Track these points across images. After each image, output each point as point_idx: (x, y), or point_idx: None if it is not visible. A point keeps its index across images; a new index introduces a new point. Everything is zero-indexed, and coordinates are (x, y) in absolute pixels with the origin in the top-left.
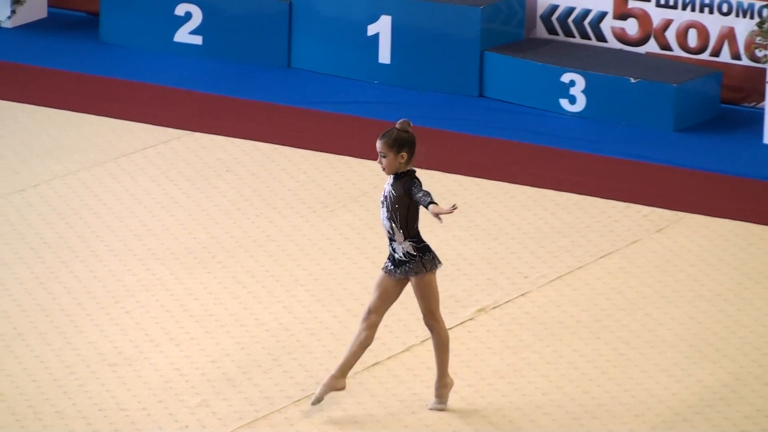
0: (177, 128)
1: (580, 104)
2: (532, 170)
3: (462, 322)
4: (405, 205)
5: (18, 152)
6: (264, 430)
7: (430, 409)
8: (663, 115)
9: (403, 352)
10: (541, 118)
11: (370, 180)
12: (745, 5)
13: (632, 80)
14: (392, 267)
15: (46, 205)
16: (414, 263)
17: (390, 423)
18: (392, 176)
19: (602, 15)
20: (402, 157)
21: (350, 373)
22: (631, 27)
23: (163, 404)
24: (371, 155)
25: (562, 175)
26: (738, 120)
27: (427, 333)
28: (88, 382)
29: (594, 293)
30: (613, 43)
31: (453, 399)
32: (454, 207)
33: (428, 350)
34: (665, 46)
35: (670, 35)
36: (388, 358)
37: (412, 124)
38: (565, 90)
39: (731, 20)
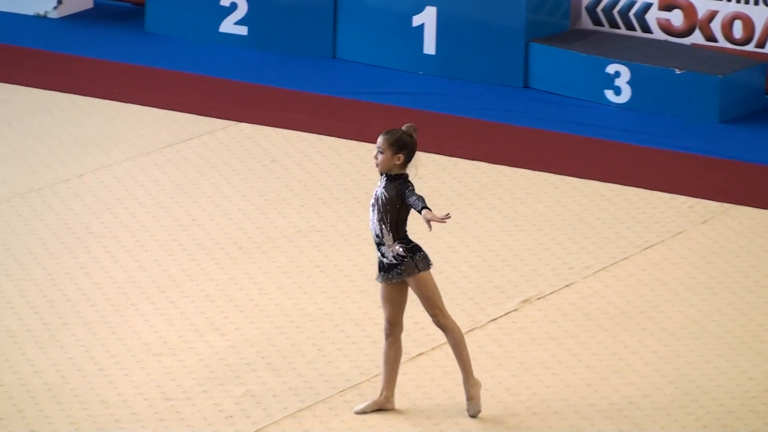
0: (222, 119)
1: (625, 95)
2: (577, 161)
3: (506, 313)
4: (396, 208)
5: (64, 142)
6: (308, 420)
7: (471, 415)
8: (708, 106)
9: (447, 343)
10: (585, 109)
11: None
12: None
13: (677, 71)
14: (385, 273)
15: (92, 196)
16: (405, 264)
17: (434, 413)
18: (385, 178)
19: (647, 6)
20: (398, 159)
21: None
22: (677, 18)
23: (208, 393)
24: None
25: (607, 166)
26: None
27: (473, 321)
28: (133, 371)
29: (638, 284)
30: (658, 34)
31: (497, 389)
32: (447, 216)
33: (473, 340)
34: (710, 37)
35: (715, 26)
36: (432, 348)
37: (417, 131)
38: (610, 81)
39: None
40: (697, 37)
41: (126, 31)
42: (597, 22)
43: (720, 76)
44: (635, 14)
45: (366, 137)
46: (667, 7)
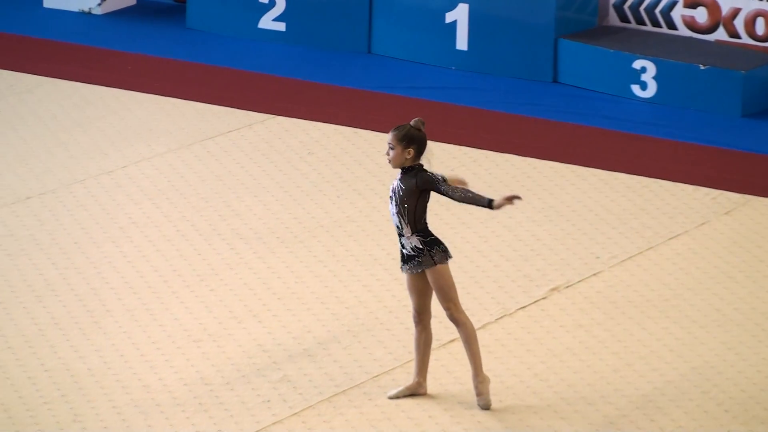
0: (260, 112)
1: (651, 90)
2: (604, 154)
3: (535, 301)
4: (414, 200)
5: (107, 135)
6: (343, 405)
7: (482, 408)
8: (731, 100)
9: (478, 329)
10: (613, 104)
11: (448, 163)
12: None
13: (701, 67)
14: (405, 264)
15: (134, 186)
16: (423, 257)
17: (466, 398)
18: (400, 171)
19: (673, 3)
20: (409, 153)
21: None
22: (701, 15)
23: (246, 379)
24: (449, 139)
25: (633, 159)
26: None
27: (503, 309)
28: (173, 357)
29: (663, 273)
30: (683, 31)
31: (527, 375)
32: (517, 196)
33: (503, 328)
34: (734, 33)
35: (739, 23)
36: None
37: (425, 124)
38: (636, 76)
39: None
40: (720, 34)
41: (167, 27)
42: (624, 19)
43: (743, 71)
44: (661, 11)
45: None
46: (691, 5)
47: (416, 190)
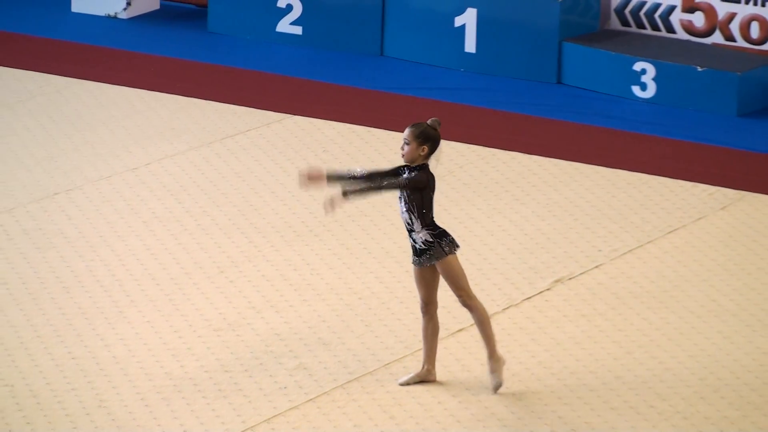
0: (278, 112)
1: (651, 91)
2: (606, 152)
3: (540, 292)
4: (419, 196)
5: (132, 133)
6: (357, 391)
7: (494, 388)
8: (727, 101)
9: None
10: (614, 104)
11: (456, 160)
12: None
13: (699, 69)
14: (417, 258)
15: (157, 182)
16: (434, 249)
17: (473, 385)
18: (407, 170)
19: (671, 8)
20: (423, 150)
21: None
22: (698, 19)
23: (264, 366)
24: (458, 137)
25: (633, 156)
26: None
27: (509, 300)
28: (194, 346)
29: (662, 266)
30: (681, 34)
31: (531, 363)
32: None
33: (509, 318)
34: (729, 37)
35: (734, 27)
36: (472, 324)
37: (441, 125)
38: (636, 77)
39: None
40: (717, 37)
41: (190, 30)
42: (625, 23)
43: (738, 73)
44: (660, 16)
45: None
46: (689, 9)
47: (427, 189)
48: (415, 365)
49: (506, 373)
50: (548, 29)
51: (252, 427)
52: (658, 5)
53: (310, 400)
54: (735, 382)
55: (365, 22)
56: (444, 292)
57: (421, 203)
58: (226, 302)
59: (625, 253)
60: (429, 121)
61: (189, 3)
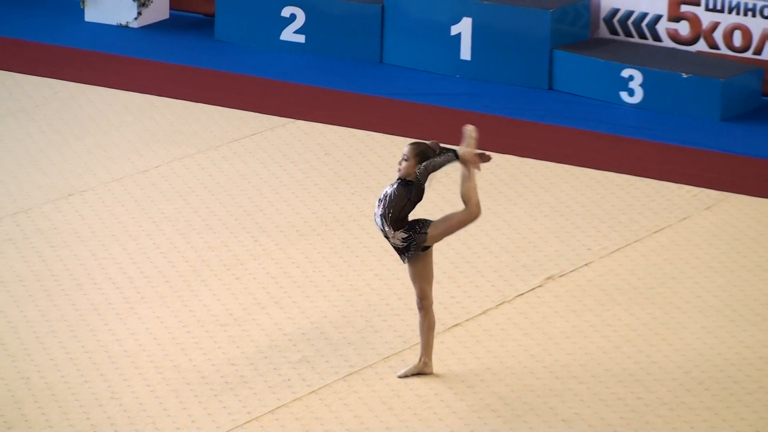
0: (282, 116)
1: (638, 96)
2: (595, 154)
3: (532, 289)
4: (399, 207)
5: (142, 137)
6: (357, 383)
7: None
8: (711, 106)
9: (479, 315)
10: (603, 109)
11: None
12: None
13: (684, 75)
14: (403, 257)
15: (166, 184)
16: (414, 239)
17: (468, 377)
18: (399, 180)
19: (658, 17)
20: (418, 169)
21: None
22: (683, 28)
23: (268, 360)
24: (454, 141)
25: (621, 159)
26: None
27: (503, 296)
28: (202, 340)
29: (649, 263)
30: (667, 43)
31: (524, 356)
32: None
33: (502, 313)
34: (713, 45)
35: (718, 36)
36: (467, 320)
37: (440, 147)
38: (624, 84)
39: None
40: (701, 45)
41: (198, 39)
42: (613, 31)
43: (721, 79)
44: (647, 25)
45: (409, 133)
46: (675, 19)
47: (409, 203)
48: (413, 358)
49: (499, 365)
50: (540, 38)
51: (257, 417)
52: (645, 15)
53: (313, 392)
54: (718, 374)
55: (365, 31)
56: (439, 288)
57: (398, 213)
58: (232, 299)
59: (613, 252)
60: (429, 142)
61: (197, 12)
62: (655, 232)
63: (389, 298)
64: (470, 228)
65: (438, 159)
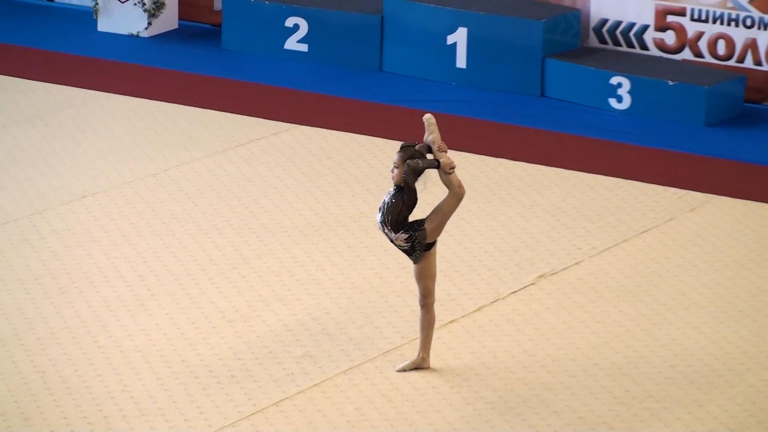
0: (286, 122)
1: (626, 103)
2: (585, 158)
3: (525, 287)
4: (396, 211)
5: (152, 142)
6: (358, 377)
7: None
8: (696, 112)
9: (474, 311)
10: (592, 115)
11: None
12: (766, 20)
13: (670, 83)
14: (410, 256)
15: (176, 186)
16: (416, 239)
17: (464, 371)
18: (394, 188)
19: (645, 27)
20: (406, 168)
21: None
22: (670, 38)
23: (273, 354)
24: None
25: (610, 163)
26: (759, 117)
27: (497, 293)
28: (209, 335)
29: (636, 262)
30: (654, 51)
31: (517, 351)
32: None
33: (496, 310)
34: (698, 54)
35: (703, 45)
36: (462, 316)
37: (430, 150)
38: (613, 91)
39: (754, 32)
40: (687, 54)
41: (205, 48)
42: (603, 41)
43: (706, 87)
44: (635, 34)
45: (408, 138)
46: (661, 29)
47: (404, 206)
48: (411, 353)
49: (493, 360)
50: (532, 47)
51: (262, 409)
52: (632, 24)
53: (315, 385)
54: (703, 368)
55: (366, 41)
56: (436, 286)
57: (396, 218)
58: (238, 296)
59: (602, 251)
60: (417, 146)
61: (205, 23)
62: (642, 232)
63: (389, 295)
64: (466, 229)
65: (424, 161)
